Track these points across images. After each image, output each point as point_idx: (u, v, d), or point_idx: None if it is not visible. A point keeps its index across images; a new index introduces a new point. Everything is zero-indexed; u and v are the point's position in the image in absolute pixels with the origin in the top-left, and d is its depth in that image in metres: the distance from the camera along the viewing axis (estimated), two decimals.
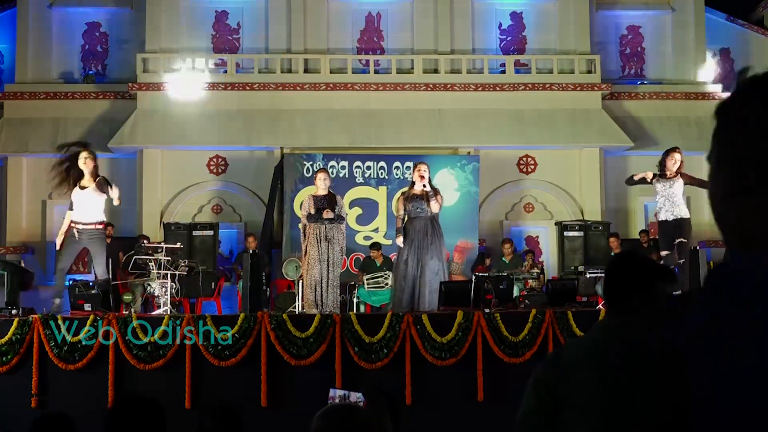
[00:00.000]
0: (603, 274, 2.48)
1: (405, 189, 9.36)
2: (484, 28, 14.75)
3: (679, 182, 8.82)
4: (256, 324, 7.45)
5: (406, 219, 8.95)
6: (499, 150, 14.23)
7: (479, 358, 7.60)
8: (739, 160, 1.12)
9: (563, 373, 2.30)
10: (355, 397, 3.47)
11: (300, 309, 8.87)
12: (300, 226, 9.25)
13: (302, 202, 9.31)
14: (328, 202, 8.90)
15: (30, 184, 13.92)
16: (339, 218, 8.86)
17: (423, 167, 9.01)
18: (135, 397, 2.79)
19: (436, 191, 8.92)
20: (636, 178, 9.11)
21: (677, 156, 8.90)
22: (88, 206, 8.41)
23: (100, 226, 8.50)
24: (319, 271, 8.69)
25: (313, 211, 8.83)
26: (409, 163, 13.37)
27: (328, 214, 8.74)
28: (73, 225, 8.35)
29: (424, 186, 8.82)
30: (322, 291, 8.68)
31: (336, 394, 3.49)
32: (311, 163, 13.06)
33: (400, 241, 8.89)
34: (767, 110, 1.11)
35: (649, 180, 8.94)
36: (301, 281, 8.99)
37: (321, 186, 9.02)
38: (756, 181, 1.09)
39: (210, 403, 4.93)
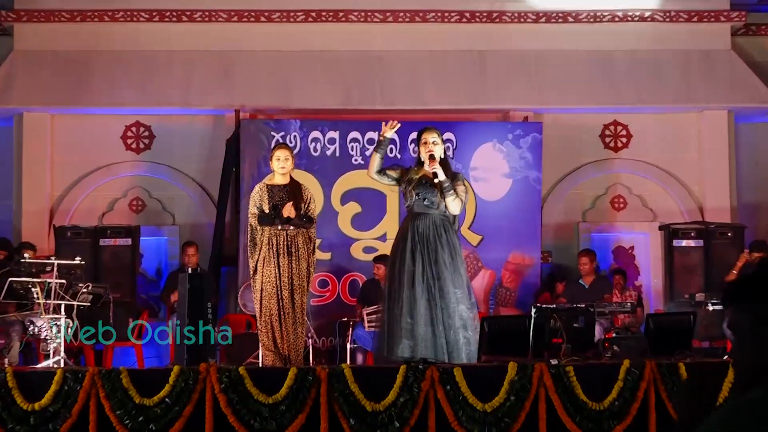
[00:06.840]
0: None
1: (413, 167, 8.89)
2: None
3: None
4: (198, 382, 7.48)
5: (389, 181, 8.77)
6: (573, 114, 14.26)
7: None
8: None
9: None
10: None
11: (264, 359, 8.92)
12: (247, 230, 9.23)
13: (251, 196, 9.31)
14: (290, 195, 8.96)
15: None
16: (307, 219, 8.94)
17: (433, 135, 8.71)
18: None
19: (456, 176, 8.69)
20: None
21: None
22: None
23: None
24: (277, 300, 8.77)
25: (267, 209, 8.90)
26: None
27: (289, 211, 8.79)
28: None
29: (433, 168, 8.49)
30: (282, 330, 8.77)
31: None
32: (282, 133, 13.08)
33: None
34: None
35: None
36: None
37: (279, 170, 9.10)
38: None
39: None
